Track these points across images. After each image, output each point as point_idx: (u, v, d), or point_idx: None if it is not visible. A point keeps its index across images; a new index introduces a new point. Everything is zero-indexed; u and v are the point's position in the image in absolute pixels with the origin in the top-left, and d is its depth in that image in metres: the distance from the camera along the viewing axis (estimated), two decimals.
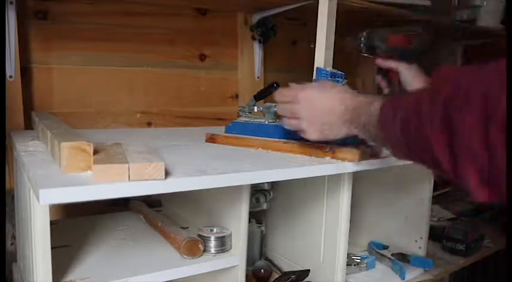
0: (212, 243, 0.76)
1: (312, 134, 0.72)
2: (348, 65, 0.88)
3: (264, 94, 0.99)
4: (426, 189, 1.08)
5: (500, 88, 0.42)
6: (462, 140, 0.46)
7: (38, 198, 0.50)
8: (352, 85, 0.78)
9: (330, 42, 0.90)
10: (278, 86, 0.93)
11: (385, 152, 0.86)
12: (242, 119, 0.96)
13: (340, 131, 0.70)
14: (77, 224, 0.94)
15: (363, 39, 0.92)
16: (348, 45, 0.94)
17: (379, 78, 0.97)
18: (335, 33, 0.90)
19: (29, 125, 1.01)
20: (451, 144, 0.47)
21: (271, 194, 0.97)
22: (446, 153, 0.48)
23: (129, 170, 0.55)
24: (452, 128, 0.47)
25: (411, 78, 0.91)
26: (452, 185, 0.53)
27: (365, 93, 0.69)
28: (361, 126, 0.66)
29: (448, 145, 0.48)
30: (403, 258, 1.07)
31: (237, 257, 0.77)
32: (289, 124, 0.75)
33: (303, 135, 0.74)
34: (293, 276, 0.90)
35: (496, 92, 0.43)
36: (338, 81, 0.84)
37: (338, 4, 0.90)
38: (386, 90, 0.96)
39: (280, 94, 0.77)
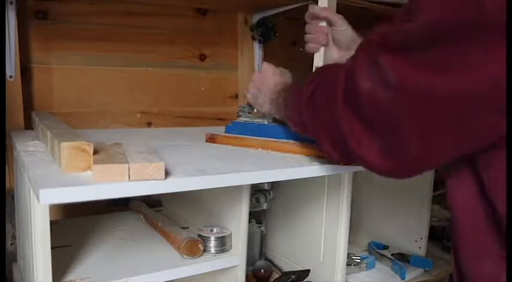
0: (212, 243, 0.76)
1: (250, 97, 0.88)
2: None
3: None
4: (426, 189, 1.08)
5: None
6: (317, 113, 0.60)
7: (38, 198, 0.50)
8: None
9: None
10: None
11: None
12: (242, 119, 0.96)
13: (267, 107, 0.83)
14: (77, 224, 0.94)
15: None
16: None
17: (306, 27, 0.90)
18: None
19: (29, 125, 1.01)
20: (312, 116, 0.62)
21: (271, 194, 0.97)
22: (310, 121, 0.62)
23: (129, 170, 0.55)
24: (314, 107, 0.60)
25: (348, 40, 0.86)
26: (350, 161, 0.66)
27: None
28: (277, 107, 0.79)
29: (311, 116, 0.62)
30: (403, 258, 1.07)
31: (237, 257, 0.77)
32: (247, 97, 0.90)
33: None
34: (293, 276, 0.90)
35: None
36: None
37: (338, 4, 0.89)
38: (310, 46, 0.90)
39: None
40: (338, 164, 0.73)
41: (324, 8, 0.87)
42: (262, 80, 0.85)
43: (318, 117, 0.60)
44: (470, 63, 0.41)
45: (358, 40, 0.86)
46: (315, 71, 0.70)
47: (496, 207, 0.47)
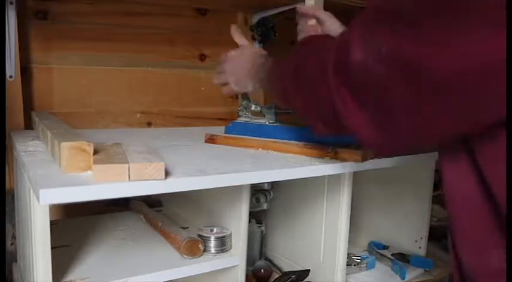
0: (212, 243, 0.76)
1: (232, 85, 0.86)
2: None
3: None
4: (426, 189, 1.08)
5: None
6: (306, 85, 0.58)
7: (38, 198, 0.50)
8: None
9: None
10: None
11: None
12: (242, 120, 0.96)
13: (247, 84, 0.83)
14: (77, 224, 0.94)
15: None
16: None
17: (298, 27, 0.96)
18: None
19: (29, 125, 1.01)
20: (299, 87, 0.60)
21: (271, 194, 0.97)
22: (297, 94, 0.60)
23: (129, 170, 0.55)
24: (301, 77, 0.59)
25: (335, 30, 0.86)
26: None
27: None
28: (261, 81, 0.79)
29: (297, 88, 0.60)
30: (403, 258, 1.07)
31: (237, 257, 0.77)
32: (216, 79, 0.91)
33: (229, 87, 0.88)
34: (293, 276, 0.90)
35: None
36: None
37: (338, 4, 0.90)
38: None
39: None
40: (325, 134, 0.70)
41: (311, 6, 0.89)
42: (234, 65, 0.86)
43: (304, 86, 0.59)
44: (470, 35, 0.39)
45: None
46: (300, 41, 0.69)
47: (495, 194, 0.45)
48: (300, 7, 0.90)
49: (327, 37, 0.60)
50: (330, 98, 0.52)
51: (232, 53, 0.89)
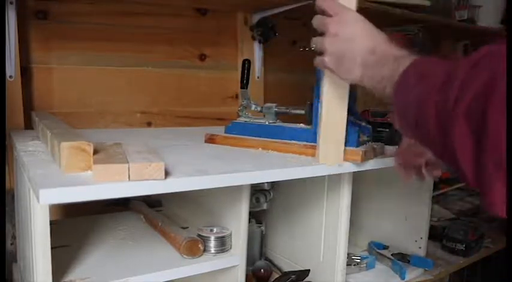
0: (212, 243, 0.76)
1: (329, 64, 0.63)
2: None
3: (244, 77, 0.97)
4: (426, 189, 1.08)
5: None
6: (494, 148, 0.36)
7: (38, 198, 0.50)
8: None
9: None
10: (249, 61, 0.97)
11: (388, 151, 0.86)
12: (242, 120, 0.96)
13: (351, 72, 0.61)
14: (76, 224, 0.94)
15: None
16: None
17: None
18: None
19: (29, 125, 1.01)
20: (478, 152, 0.38)
21: (271, 194, 0.97)
22: (471, 161, 0.39)
23: (129, 170, 0.55)
24: (483, 129, 0.37)
25: None
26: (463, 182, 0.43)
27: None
28: (377, 78, 0.57)
29: (473, 152, 0.39)
30: (403, 258, 1.07)
31: (237, 257, 0.77)
32: (317, 62, 0.67)
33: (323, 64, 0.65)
34: (293, 276, 0.90)
35: None
36: None
37: None
38: None
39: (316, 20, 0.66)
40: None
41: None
42: (344, 33, 0.60)
43: (493, 145, 0.37)
44: None
45: None
46: (480, 52, 0.42)
47: None
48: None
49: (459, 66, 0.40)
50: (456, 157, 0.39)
51: (335, 24, 0.61)
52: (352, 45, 0.60)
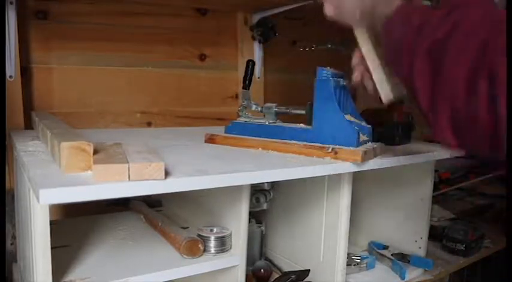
0: (212, 243, 0.76)
1: (330, 7, 0.67)
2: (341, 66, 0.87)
3: (247, 77, 0.97)
4: (426, 189, 1.08)
5: (499, 37, 0.37)
6: (445, 82, 0.42)
7: (38, 198, 0.50)
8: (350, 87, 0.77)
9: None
10: (253, 62, 0.96)
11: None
12: (242, 120, 0.96)
13: (351, 11, 0.64)
14: (77, 224, 0.94)
15: None
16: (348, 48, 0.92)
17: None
18: (334, 35, 0.89)
19: (29, 125, 1.01)
20: (433, 86, 0.44)
21: (271, 194, 0.97)
22: (426, 93, 0.45)
23: (129, 170, 0.55)
24: (439, 68, 0.43)
25: None
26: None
27: None
28: (374, 23, 0.61)
29: (430, 85, 0.44)
30: (403, 258, 1.07)
31: (237, 257, 0.77)
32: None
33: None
34: (293, 276, 0.90)
35: (496, 44, 0.37)
36: (339, 81, 0.84)
37: None
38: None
39: None
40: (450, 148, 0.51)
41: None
42: None
43: (444, 81, 0.42)
44: None
45: None
46: (448, 9, 0.47)
47: None
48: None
49: (487, 8, 0.43)
50: (486, 110, 0.38)
51: None
52: None
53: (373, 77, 0.71)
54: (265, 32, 1.36)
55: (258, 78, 1.43)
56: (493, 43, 0.37)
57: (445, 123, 0.43)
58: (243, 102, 0.97)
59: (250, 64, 0.97)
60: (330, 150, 0.78)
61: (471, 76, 0.39)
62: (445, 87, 0.42)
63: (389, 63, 0.58)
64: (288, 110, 0.92)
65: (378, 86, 0.71)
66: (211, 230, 0.78)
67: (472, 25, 0.41)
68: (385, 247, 1.13)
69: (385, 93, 0.71)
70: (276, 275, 0.95)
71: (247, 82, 0.96)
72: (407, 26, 0.50)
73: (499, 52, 0.36)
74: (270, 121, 0.92)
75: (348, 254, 0.91)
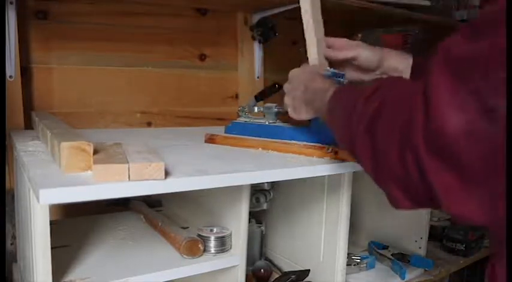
0: (212, 243, 0.76)
1: (289, 111, 0.75)
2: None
3: (266, 94, 0.98)
4: None
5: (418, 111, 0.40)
6: (382, 153, 0.45)
7: (38, 198, 0.50)
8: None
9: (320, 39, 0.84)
10: (280, 87, 0.92)
11: None
12: (242, 120, 0.96)
13: (301, 111, 0.72)
14: (77, 224, 0.94)
15: (358, 40, 0.91)
16: None
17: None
18: (334, 34, 0.89)
19: (29, 125, 1.01)
20: (373, 153, 0.47)
21: (271, 194, 0.97)
22: (368, 158, 0.48)
23: (129, 170, 0.55)
24: (375, 146, 0.46)
25: (370, 63, 0.81)
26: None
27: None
28: (316, 110, 0.68)
29: (370, 152, 0.48)
30: (403, 258, 1.07)
31: (237, 257, 0.77)
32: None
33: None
34: (293, 276, 0.90)
35: (415, 117, 0.40)
36: (339, 80, 0.84)
37: (338, 4, 0.89)
38: None
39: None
40: (406, 208, 0.52)
41: (338, 53, 0.80)
42: (292, 85, 0.74)
43: (382, 158, 0.46)
44: None
45: (387, 58, 0.80)
46: (376, 83, 0.52)
47: None
48: (332, 41, 0.80)
49: (408, 86, 0.46)
50: (419, 178, 0.41)
51: (293, 71, 0.77)
52: (296, 91, 0.73)
53: (308, 53, 0.78)
54: (265, 32, 1.36)
55: (258, 78, 1.43)
56: (412, 122, 0.40)
57: (395, 191, 0.46)
58: (245, 107, 0.97)
59: (277, 87, 0.96)
60: (329, 150, 0.78)
61: (401, 154, 0.42)
62: (385, 164, 0.46)
63: (338, 142, 0.62)
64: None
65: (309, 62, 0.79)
66: (211, 230, 0.78)
67: (393, 107, 0.45)
68: (385, 247, 1.13)
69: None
70: (276, 275, 0.95)
71: (261, 97, 0.97)
72: (342, 114, 0.56)
73: (419, 129, 0.39)
74: (270, 121, 0.92)
75: (348, 254, 0.91)
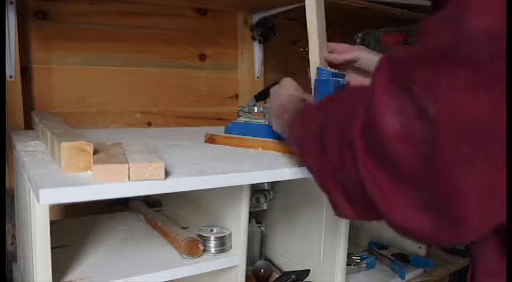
0: (212, 243, 0.76)
1: (271, 123, 0.78)
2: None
3: (265, 95, 0.98)
4: None
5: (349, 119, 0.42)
6: (327, 151, 0.47)
7: (38, 198, 0.50)
8: None
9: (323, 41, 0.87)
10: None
11: None
12: (242, 120, 0.96)
13: (275, 125, 0.74)
14: (77, 224, 0.94)
15: (358, 40, 0.91)
16: None
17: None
18: (334, 34, 0.89)
19: (29, 125, 1.01)
20: (320, 152, 0.49)
21: (271, 194, 0.97)
22: (316, 160, 0.50)
23: (129, 170, 0.55)
24: (324, 153, 0.48)
25: (368, 64, 0.82)
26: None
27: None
28: (283, 125, 0.69)
29: (319, 152, 0.49)
30: (403, 258, 1.07)
31: (237, 257, 0.77)
32: None
33: None
34: (293, 276, 0.90)
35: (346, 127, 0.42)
36: (339, 81, 0.84)
37: (338, 4, 0.89)
38: None
39: None
40: (352, 218, 0.57)
41: (339, 55, 0.81)
42: (273, 96, 0.78)
43: (326, 163, 0.47)
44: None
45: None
46: (329, 96, 0.57)
47: None
48: (328, 56, 0.81)
49: (356, 94, 0.48)
50: (357, 177, 0.41)
51: (273, 88, 0.81)
52: (271, 104, 0.76)
53: (309, 56, 0.79)
54: (265, 32, 1.36)
55: (258, 78, 1.43)
56: (353, 119, 0.41)
57: (339, 196, 0.47)
58: (245, 107, 0.97)
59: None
60: None
61: (340, 150, 0.44)
62: (328, 162, 0.47)
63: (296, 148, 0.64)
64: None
65: (311, 66, 0.79)
66: (211, 230, 0.78)
67: (341, 107, 0.49)
68: (385, 247, 1.13)
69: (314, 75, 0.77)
70: (276, 275, 0.95)
71: (261, 97, 0.97)
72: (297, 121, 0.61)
73: (358, 127, 0.40)
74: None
75: (348, 254, 0.91)
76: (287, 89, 0.75)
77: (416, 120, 0.34)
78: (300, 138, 0.57)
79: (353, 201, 0.45)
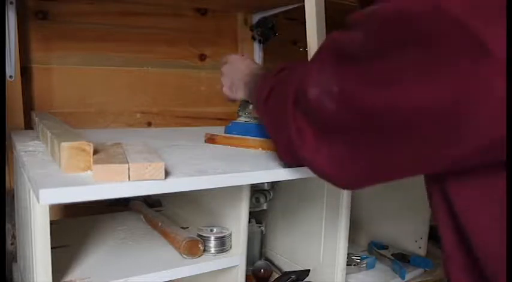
0: (212, 243, 0.76)
1: (224, 88, 0.86)
2: None
3: None
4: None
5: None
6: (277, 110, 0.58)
7: (38, 198, 0.50)
8: None
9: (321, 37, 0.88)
10: None
11: None
12: (242, 120, 0.96)
13: (239, 90, 0.82)
14: (77, 224, 0.94)
15: None
16: None
17: None
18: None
19: (29, 125, 1.01)
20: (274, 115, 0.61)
21: (271, 194, 0.97)
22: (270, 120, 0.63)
23: (129, 170, 0.55)
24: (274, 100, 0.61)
25: None
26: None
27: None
28: (249, 91, 0.77)
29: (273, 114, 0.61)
30: (403, 258, 1.07)
31: (237, 257, 0.77)
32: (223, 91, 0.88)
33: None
34: (293, 276, 0.90)
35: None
36: None
37: (338, 4, 0.89)
38: None
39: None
40: (287, 167, 0.70)
41: None
42: (232, 67, 0.85)
43: (272, 118, 0.61)
44: (420, 76, 0.38)
45: None
46: (277, 68, 0.68)
47: (466, 234, 0.44)
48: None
49: (297, 67, 0.60)
50: (287, 128, 0.53)
51: (234, 56, 0.88)
52: (237, 72, 0.83)
53: (309, 56, 0.84)
54: (265, 32, 1.35)
55: None
56: (293, 83, 0.54)
57: (283, 150, 0.60)
58: (246, 106, 0.97)
59: None
60: None
61: (284, 106, 0.55)
62: (278, 119, 0.58)
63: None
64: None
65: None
66: (211, 230, 0.78)
67: (289, 74, 0.61)
68: (385, 247, 1.13)
69: None
70: (276, 275, 0.95)
71: None
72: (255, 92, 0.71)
73: (294, 89, 0.53)
74: None
75: (348, 254, 0.91)
76: (242, 61, 0.84)
77: (326, 94, 0.47)
78: (256, 100, 0.68)
79: (287, 149, 0.57)
